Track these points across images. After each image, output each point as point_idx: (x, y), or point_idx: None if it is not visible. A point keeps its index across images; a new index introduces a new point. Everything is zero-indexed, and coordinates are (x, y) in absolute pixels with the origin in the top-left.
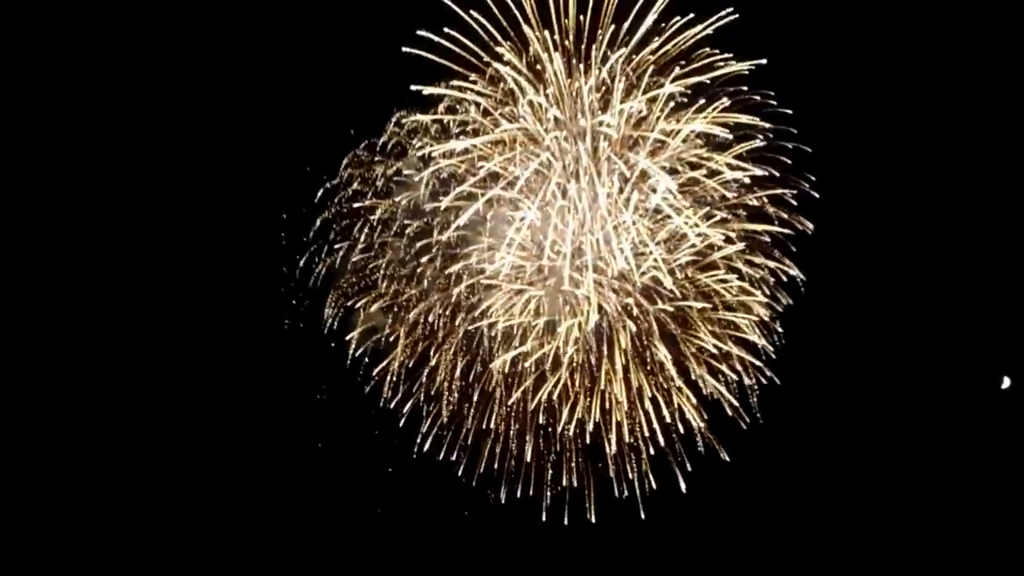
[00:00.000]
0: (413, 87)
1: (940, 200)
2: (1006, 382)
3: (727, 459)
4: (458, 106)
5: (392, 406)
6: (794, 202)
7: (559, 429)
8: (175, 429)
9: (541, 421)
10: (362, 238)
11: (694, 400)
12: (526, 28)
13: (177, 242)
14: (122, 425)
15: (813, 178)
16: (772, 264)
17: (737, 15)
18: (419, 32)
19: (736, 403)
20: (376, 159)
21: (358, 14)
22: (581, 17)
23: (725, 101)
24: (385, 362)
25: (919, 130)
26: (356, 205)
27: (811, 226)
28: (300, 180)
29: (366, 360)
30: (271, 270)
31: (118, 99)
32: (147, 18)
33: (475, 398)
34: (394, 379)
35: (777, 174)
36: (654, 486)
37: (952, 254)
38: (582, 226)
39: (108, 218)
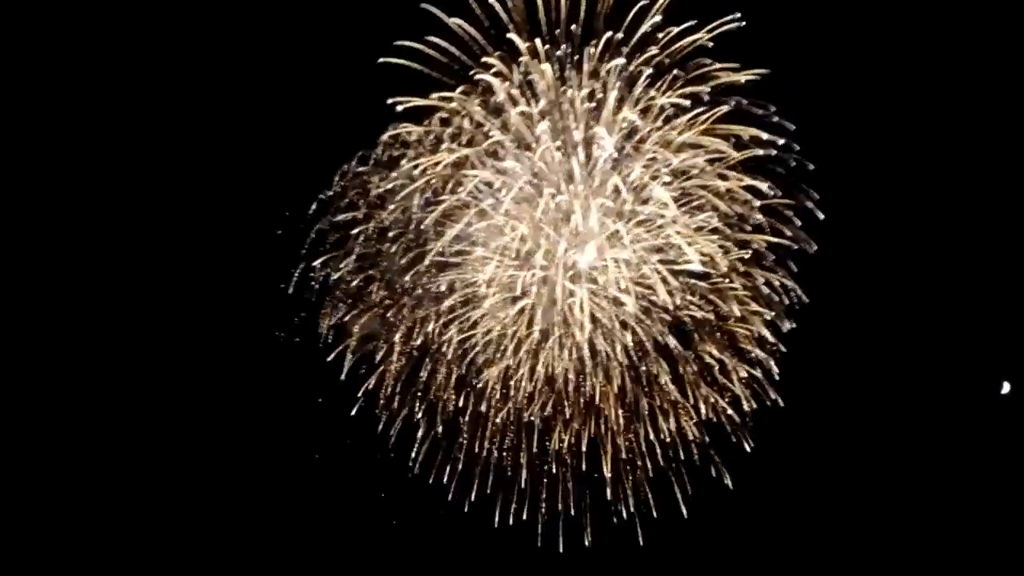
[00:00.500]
0: (389, 101)
1: (941, 206)
2: (1006, 387)
3: (730, 485)
4: (453, 117)
5: (385, 420)
6: (798, 221)
7: (554, 448)
8: (174, 437)
9: (535, 440)
10: (356, 250)
11: (695, 419)
12: (518, 38)
13: (171, 256)
14: (116, 437)
15: (817, 196)
16: (776, 281)
17: (744, 22)
18: (410, 44)
19: (739, 423)
20: (370, 171)
21: (358, 25)
22: (573, 26)
23: (724, 108)
24: (376, 375)
25: (923, 146)
26: (350, 217)
27: (815, 246)
28: (294, 193)
29: (362, 370)
30: (265, 283)
31: (114, 112)
32: (139, 35)
33: (466, 417)
34: (388, 392)
35: (780, 192)
36: (654, 510)
37: (952, 260)
38: (575, 236)
39: (101, 230)
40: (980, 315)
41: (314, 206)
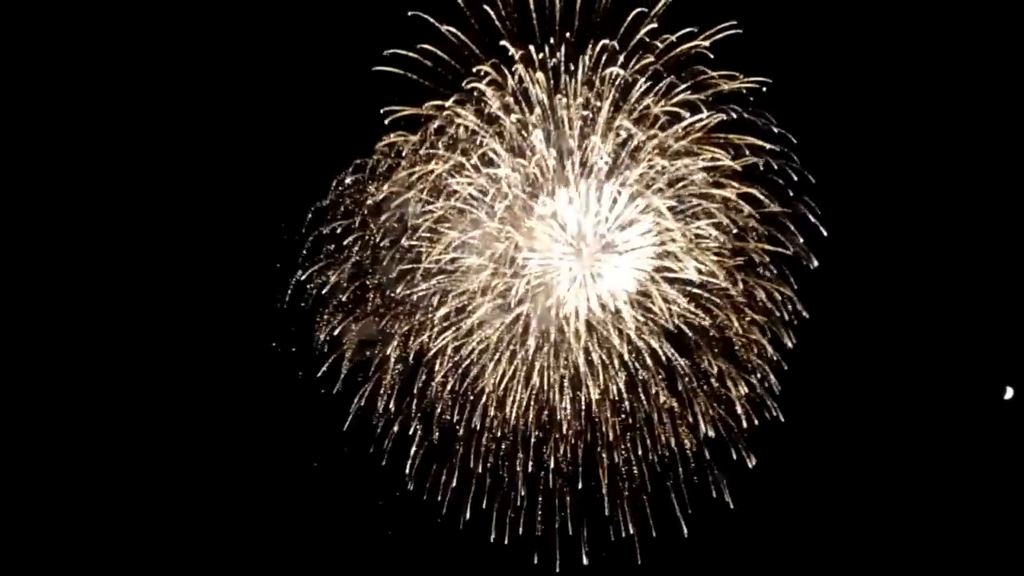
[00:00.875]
0: (383, 110)
1: (941, 216)
2: (1009, 392)
3: (731, 504)
4: (447, 126)
5: (381, 429)
6: (800, 237)
7: (550, 457)
8: (174, 444)
9: (531, 452)
10: (351, 259)
11: (694, 434)
12: (511, 46)
13: (167, 267)
14: (115, 447)
15: (819, 211)
16: (777, 295)
17: (740, 30)
18: (403, 52)
19: (739, 439)
20: (365, 180)
21: (352, 34)
22: (567, 33)
23: (721, 117)
24: (372, 383)
25: (923, 156)
26: (345, 225)
27: (815, 261)
28: (290, 202)
29: (359, 377)
30: (261, 293)
31: (112, 119)
32: (133, 47)
33: (461, 429)
34: (384, 401)
35: (778, 203)
36: (652, 529)
37: (954, 267)
38: (572, 245)
39: (94, 236)
40: (983, 320)
41: (310, 216)
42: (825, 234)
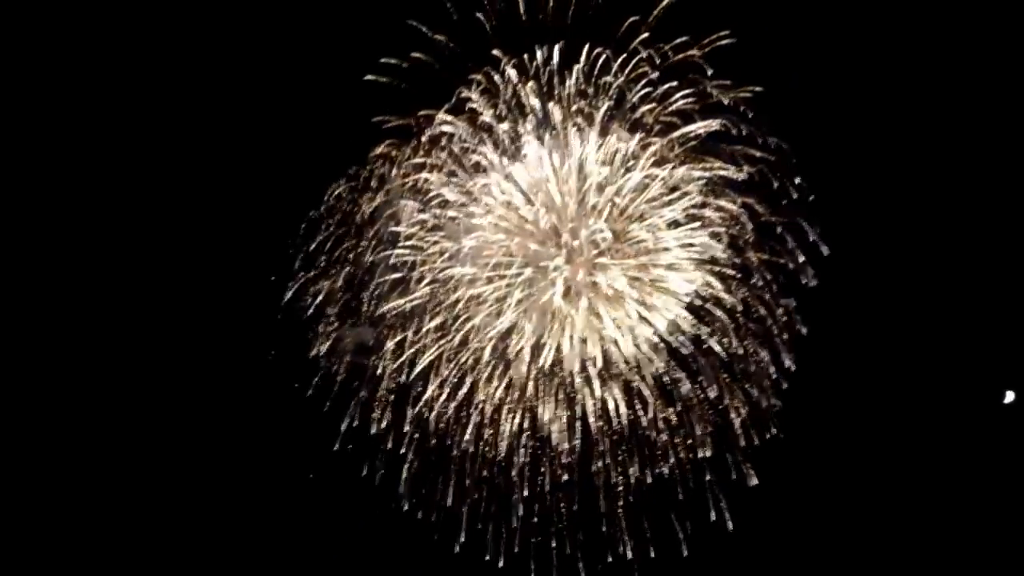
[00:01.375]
0: (376, 119)
1: (938, 223)
2: (1009, 396)
3: (730, 526)
4: (441, 135)
5: (376, 439)
6: (800, 254)
7: (547, 480)
8: (170, 455)
9: (527, 471)
10: (346, 268)
11: (693, 452)
12: (503, 56)
13: (162, 278)
14: (113, 457)
15: (819, 228)
16: (777, 311)
17: (734, 39)
18: (396, 61)
19: (740, 458)
20: (359, 188)
21: (346, 43)
22: (561, 42)
23: (716, 125)
24: (365, 397)
25: (921, 165)
26: (339, 234)
27: (815, 280)
28: (284, 212)
29: (355, 383)
30: (257, 303)
31: (108, 128)
32: (131, 56)
33: (454, 448)
34: (379, 411)
35: (777, 219)
36: (651, 549)
37: (951, 275)
38: (566, 253)
39: (89, 249)
40: (982, 325)
41: (303, 226)
42: (826, 252)
